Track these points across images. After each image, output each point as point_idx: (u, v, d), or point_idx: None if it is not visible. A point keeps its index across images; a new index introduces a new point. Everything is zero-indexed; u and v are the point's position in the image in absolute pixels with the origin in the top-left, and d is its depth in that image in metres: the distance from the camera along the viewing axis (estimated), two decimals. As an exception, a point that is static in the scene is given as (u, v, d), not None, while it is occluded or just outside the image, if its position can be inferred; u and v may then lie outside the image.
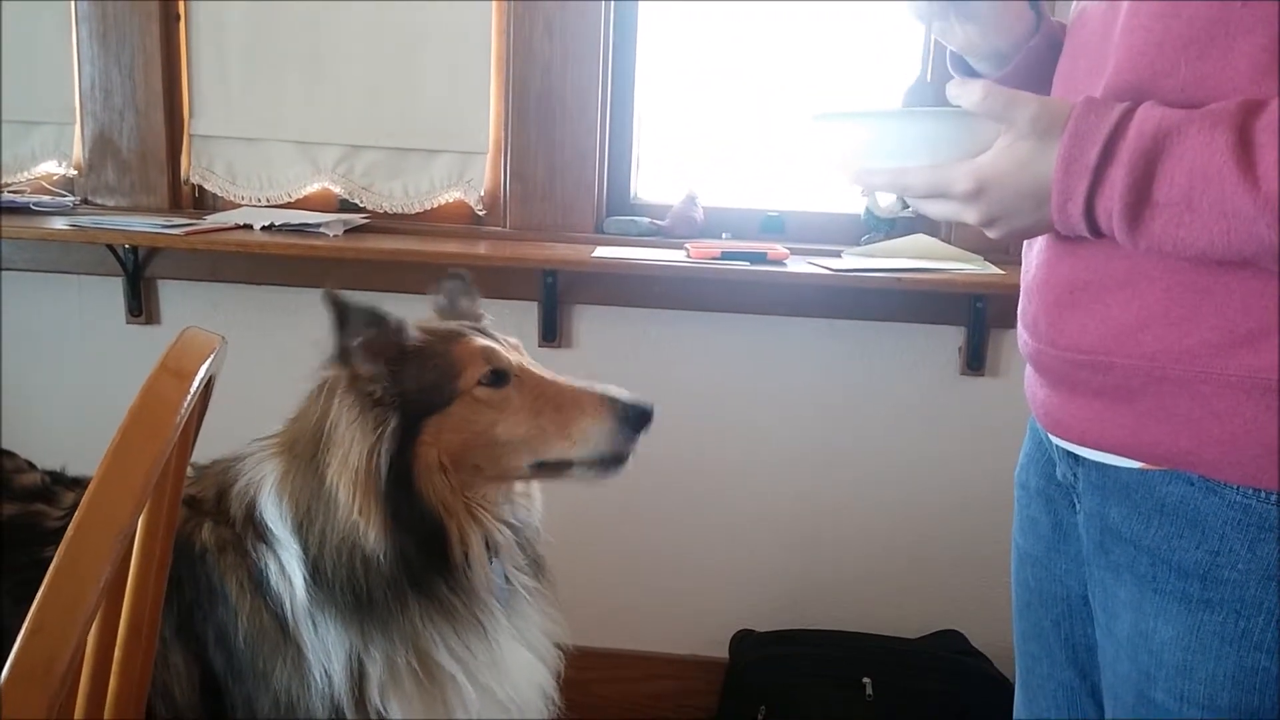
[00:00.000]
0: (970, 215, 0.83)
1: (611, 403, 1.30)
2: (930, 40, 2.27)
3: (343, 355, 1.24)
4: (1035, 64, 0.99)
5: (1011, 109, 0.78)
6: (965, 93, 0.78)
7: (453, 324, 1.38)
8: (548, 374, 1.34)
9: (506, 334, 1.40)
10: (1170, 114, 0.73)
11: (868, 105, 0.89)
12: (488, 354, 1.30)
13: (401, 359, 1.27)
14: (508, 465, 1.31)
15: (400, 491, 1.24)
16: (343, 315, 1.22)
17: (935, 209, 0.86)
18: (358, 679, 1.26)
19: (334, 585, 1.25)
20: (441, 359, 1.29)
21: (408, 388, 1.26)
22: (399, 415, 1.24)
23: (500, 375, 1.30)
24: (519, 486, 1.41)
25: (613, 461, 1.31)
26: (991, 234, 0.85)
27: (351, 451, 1.24)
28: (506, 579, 1.36)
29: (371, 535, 1.23)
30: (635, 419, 1.29)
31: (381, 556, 1.23)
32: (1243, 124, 0.70)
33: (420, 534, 1.25)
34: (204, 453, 1.36)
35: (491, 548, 1.33)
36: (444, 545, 1.27)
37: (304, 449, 1.29)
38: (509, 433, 1.29)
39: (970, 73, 1.06)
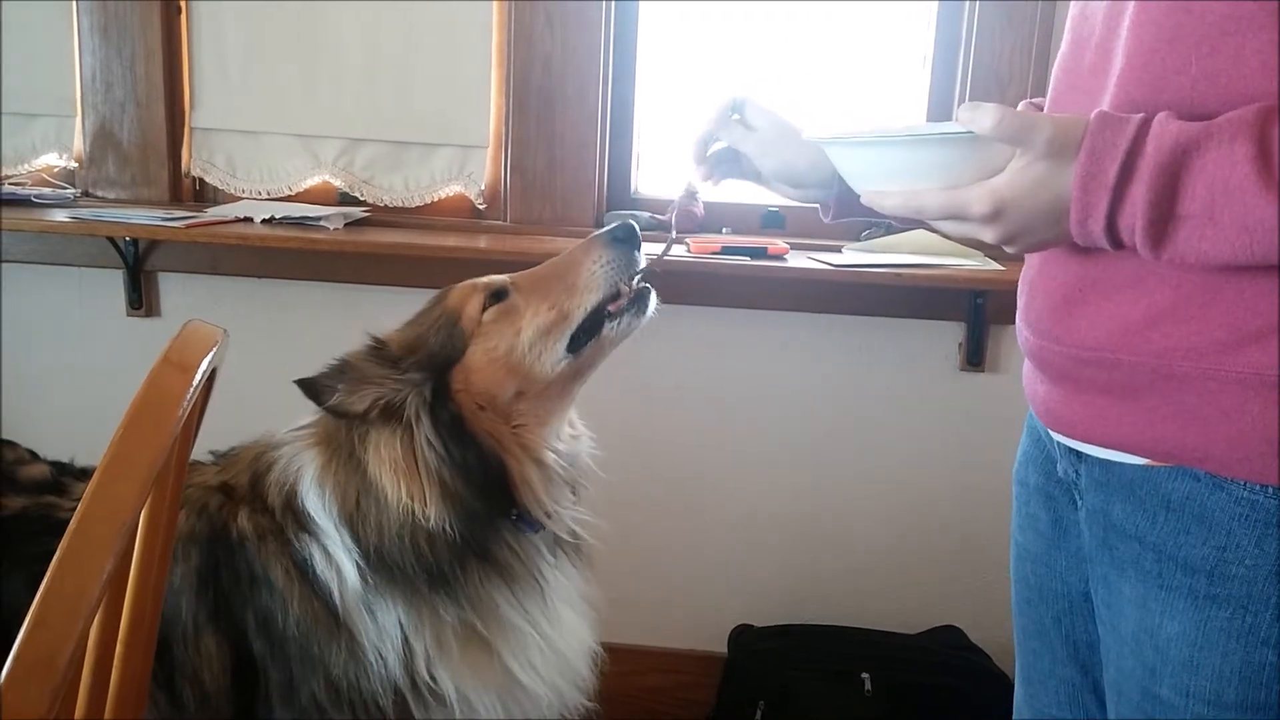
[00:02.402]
0: (988, 235, 0.82)
1: (594, 239, 1.37)
2: (933, 45, 2.27)
3: (337, 412, 1.28)
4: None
5: (1027, 132, 0.77)
6: (979, 118, 0.77)
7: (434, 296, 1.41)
8: (533, 268, 1.39)
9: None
10: (1187, 128, 0.73)
11: (876, 128, 0.89)
12: (476, 285, 1.34)
13: (393, 363, 1.30)
14: (545, 366, 1.32)
15: (458, 442, 1.27)
16: (314, 394, 1.27)
17: (951, 229, 0.85)
18: (411, 659, 1.27)
19: (404, 567, 1.26)
20: (439, 318, 1.32)
21: (418, 356, 1.29)
22: (419, 391, 1.27)
23: (500, 292, 1.33)
24: (566, 427, 1.42)
25: (638, 299, 1.36)
26: (1008, 250, 0.85)
27: (382, 444, 1.27)
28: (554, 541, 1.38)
29: (431, 512, 1.25)
30: (624, 236, 1.36)
31: (447, 526, 1.25)
32: (1262, 134, 0.70)
33: (483, 479, 1.27)
34: (206, 446, 1.36)
35: (551, 481, 1.34)
36: (506, 483, 1.29)
37: (342, 443, 1.30)
38: (534, 328, 1.32)
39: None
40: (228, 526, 1.31)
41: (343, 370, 1.29)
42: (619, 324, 1.35)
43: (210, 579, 1.28)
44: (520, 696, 1.32)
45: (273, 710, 1.28)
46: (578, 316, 1.33)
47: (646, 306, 1.36)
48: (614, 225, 1.37)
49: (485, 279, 1.36)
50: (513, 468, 1.30)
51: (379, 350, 1.32)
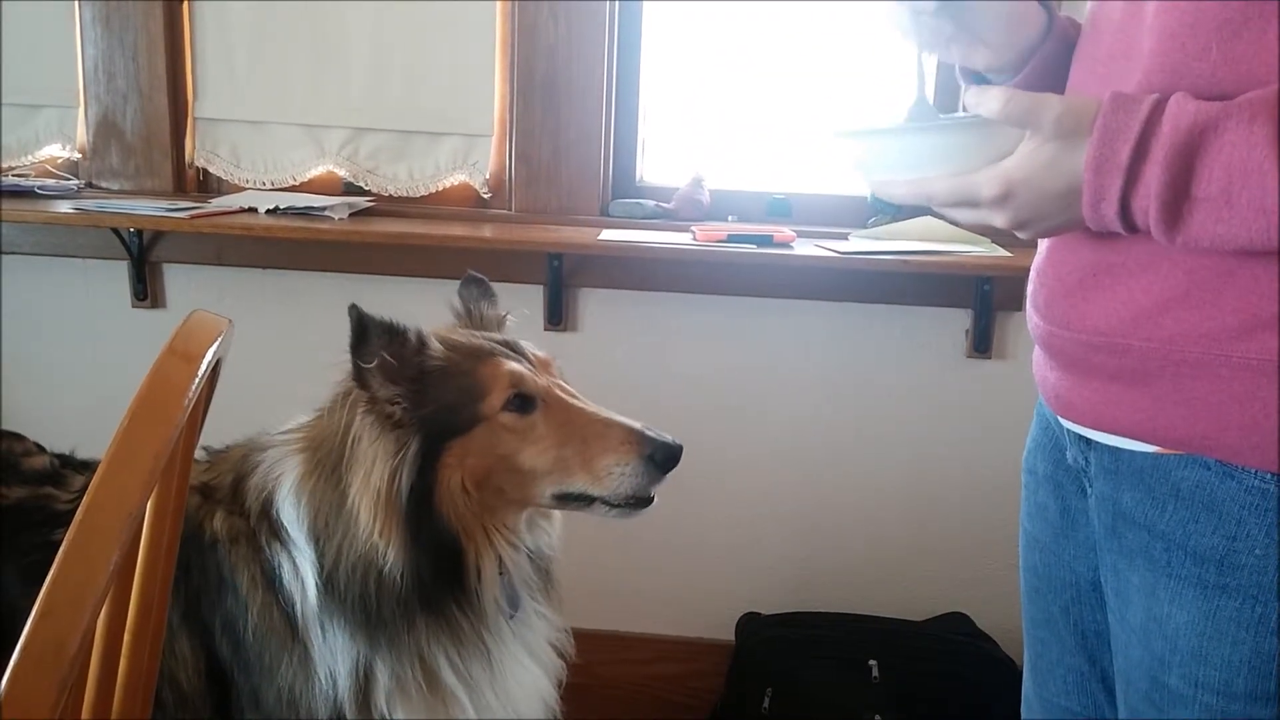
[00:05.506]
0: (999, 220, 0.81)
1: (639, 440, 1.25)
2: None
3: (360, 377, 1.21)
4: (1050, 68, 0.97)
5: (1035, 113, 0.75)
6: (985, 101, 0.76)
7: (480, 339, 1.33)
8: (576, 400, 1.30)
9: (537, 349, 1.36)
10: (1205, 107, 0.71)
11: (885, 120, 0.88)
12: (515, 378, 1.26)
13: (422, 378, 1.24)
14: (530, 492, 1.28)
15: (421, 511, 1.22)
16: (362, 332, 1.19)
17: (962, 216, 0.84)
18: (364, 684, 1.25)
19: (345, 598, 1.24)
20: (466, 379, 1.25)
21: (429, 408, 1.23)
22: (420, 437, 1.22)
23: (527, 401, 1.26)
24: (548, 522, 1.40)
25: (636, 503, 1.28)
26: (1021, 235, 0.84)
27: (374, 472, 1.22)
28: (514, 601, 1.35)
29: (391, 556, 1.22)
30: (662, 460, 1.25)
31: (399, 576, 1.22)
32: None
33: (437, 554, 1.24)
34: (210, 436, 1.36)
35: (504, 570, 1.31)
36: (459, 566, 1.26)
37: (327, 458, 1.27)
38: (532, 461, 1.26)
39: (981, 79, 1.03)
40: (202, 527, 1.29)
41: (391, 340, 1.21)
42: (606, 512, 1.28)
43: (182, 580, 1.26)
44: None
45: (244, 715, 1.27)
46: (572, 487, 1.27)
47: (638, 513, 1.29)
48: (666, 441, 1.26)
49: (528, 374, 1.28)
50: (468, 554, 1.26)
51: (419, 359, 1.24)
